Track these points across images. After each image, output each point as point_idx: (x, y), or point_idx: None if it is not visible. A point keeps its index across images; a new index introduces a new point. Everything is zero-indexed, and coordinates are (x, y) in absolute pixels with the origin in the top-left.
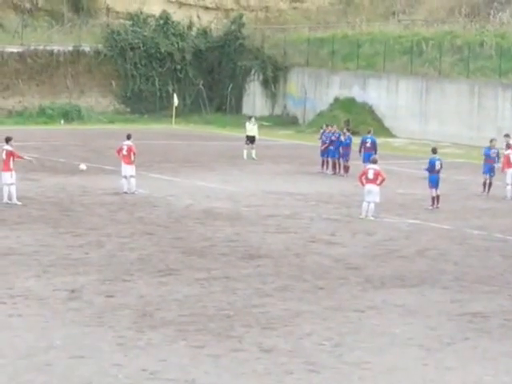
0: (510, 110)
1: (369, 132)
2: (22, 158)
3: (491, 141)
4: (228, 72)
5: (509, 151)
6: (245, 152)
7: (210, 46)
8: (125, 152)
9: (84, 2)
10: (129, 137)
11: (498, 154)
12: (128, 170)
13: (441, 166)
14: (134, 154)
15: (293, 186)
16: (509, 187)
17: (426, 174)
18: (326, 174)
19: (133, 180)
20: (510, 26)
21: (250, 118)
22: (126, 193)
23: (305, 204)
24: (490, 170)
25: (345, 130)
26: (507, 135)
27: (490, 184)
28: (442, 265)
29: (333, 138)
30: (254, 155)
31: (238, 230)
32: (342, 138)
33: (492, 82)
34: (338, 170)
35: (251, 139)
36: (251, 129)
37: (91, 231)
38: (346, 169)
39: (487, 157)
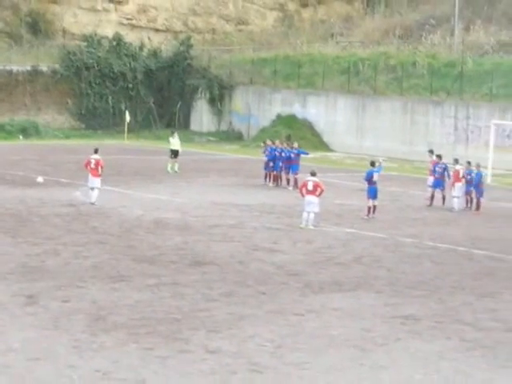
0: (440, 126)
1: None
2: None
3: (438, 156)
4: (177, 90)
5: (458, 167)
6: (168, 165)
7: (160, 66)
8: (93, 165)
9: (41, 24)
10: (96, 151)
11: (444, 169)
12: (95, 182)
13: (380, 166)
14: (102, 167)
15: (238, 198)
16: (455, 199)
17: (365, 184)
18: (269, 186)
19: (96, 192)
20: (440, 48)
21: (172, 132)
22: (93, 204)
23: (249, 214)
24: (438, 184)
25: (285, 145)
26: (431, 151)
27: (432, 196)
28: (377, 271)
29: (276, 153)
30: (176, 168)
31: (186, 238)
32: (283, 154)
33: (424, 100)
34: (279, 183)
35: (175, 153)
36: (174, 143)
37: (48, 240)
38: (288, 181)
39: (434, 172)
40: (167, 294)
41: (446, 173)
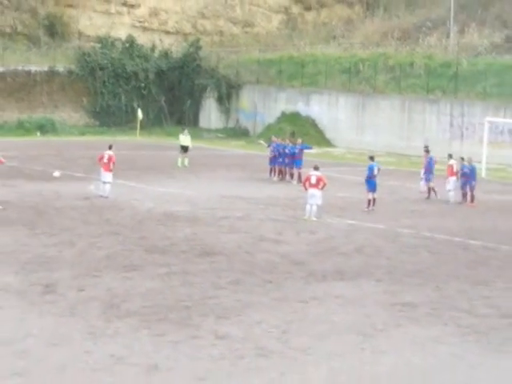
0: (436, 123)
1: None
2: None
3: (426, 150)
4: (187, 89)
5: (452, 161)
6: (179, 160)
7: (171, 67)
8: (105, 160)
9: (58, 27)
10: (110, 147)
11: (429, 162)
12: (106, 176)
13: (378, 171)
14: (114, 163)
15: (244, 191)
16: (451, 193)
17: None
18: (274, 180)
19: (108, 186)
20: (436, 49)
21: (183, 129)
22: (101, 196)
23: (255, 207)
24: (427, 178)
25: (287, 141)
26: (426, 147)
27: (429, 189)
28: (377, 260)
29: (280, 149)
30: (186, 163)
31: (196, 230)
32: (287, 150)
33: (420, 98)
34: (283, 177)
35: (185, 148)
36: (184, 139)
37: (64, 232)
38: (292, 175)
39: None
40: (178, 282)
41: (429, 165)
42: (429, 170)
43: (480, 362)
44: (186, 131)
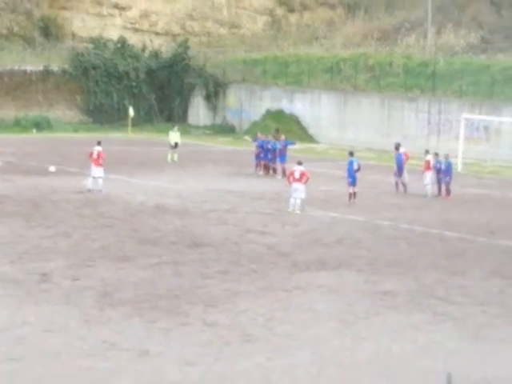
0: (415, 120)
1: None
2: None
3: (396, 147)
4: (176, 88)
5: (429, 156)
6: (169, 156)
7: (161, 66)
8: (95, 156)
9: (53, 28)
10: (99, 143)
11: (397, 158)
12: (97, 171)
13: (358, 167)
14: (103, 158)
15: (231, 185)
16: (428, 187)
17: (346, 174)
18: (259, 174)
19: (100, 180)
20: (414, 49)
21: (173, 126)
22: (89, 190)
23: (242, 200)
24: (399, 173)
25: (270, 137)
26: (398, 144)
27: (403, 184)
28: (358, 251)
29: (268, 146)
30: (176, 159)
31: (185, 222)
32: (269, 146)
33: (399, 96)
34: (269, 171)
35: (174, 145)
36: (174, 136)
37: (59, 224)
38: (275, 170)
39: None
40: (168, 272)
41: (398, 161)
42: (398, 165)
43: (457, 348)
44: (175, 128)
